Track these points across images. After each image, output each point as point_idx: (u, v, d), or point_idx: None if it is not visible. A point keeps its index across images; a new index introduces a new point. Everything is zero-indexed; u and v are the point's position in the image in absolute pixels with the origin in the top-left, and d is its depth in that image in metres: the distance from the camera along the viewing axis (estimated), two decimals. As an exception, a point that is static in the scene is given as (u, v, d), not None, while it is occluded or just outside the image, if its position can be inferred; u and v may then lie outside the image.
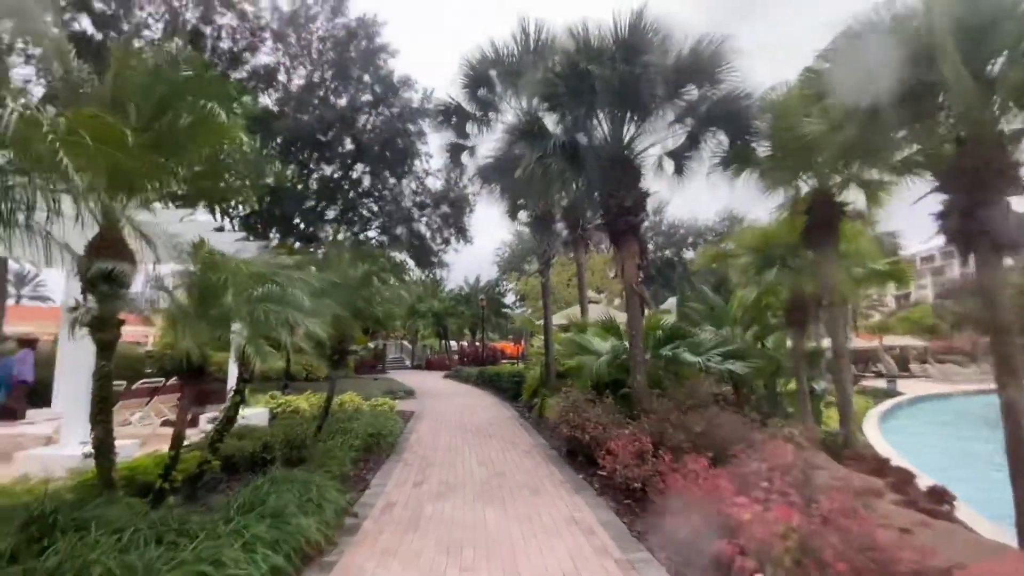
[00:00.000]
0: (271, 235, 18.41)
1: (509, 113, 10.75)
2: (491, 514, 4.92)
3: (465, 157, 11.82)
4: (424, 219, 20.39)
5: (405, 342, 32.87)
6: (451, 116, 10.82)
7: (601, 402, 7.37)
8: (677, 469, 4.80)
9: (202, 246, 4.15)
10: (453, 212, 19.72)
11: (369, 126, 17.52)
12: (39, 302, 55.57)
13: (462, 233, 20.24)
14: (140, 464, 4.80)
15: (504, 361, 28.63)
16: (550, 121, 8.46)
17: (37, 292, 58.91)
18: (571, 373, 10.06)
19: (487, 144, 12.24)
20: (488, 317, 30.53)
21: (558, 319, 15.28)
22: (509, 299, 34.86)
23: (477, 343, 29.26)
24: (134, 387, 8.77)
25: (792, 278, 9.17)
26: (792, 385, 10.11)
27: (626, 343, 8.30)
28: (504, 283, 34.43)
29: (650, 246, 31.95)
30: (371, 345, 30.41)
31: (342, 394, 11.92)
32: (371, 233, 21.76)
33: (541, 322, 12.06)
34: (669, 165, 8.82)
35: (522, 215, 14.34)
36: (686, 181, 9.01)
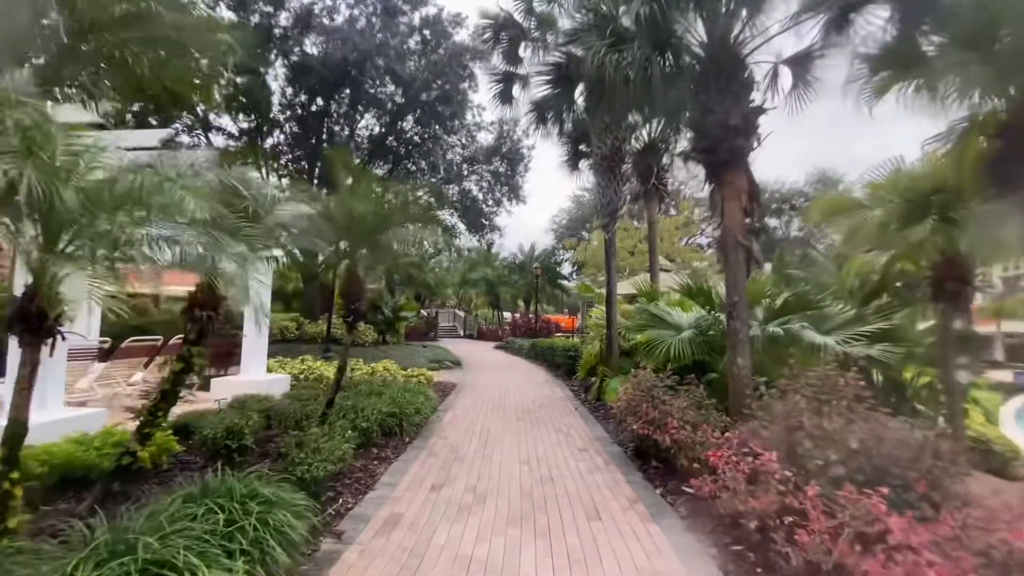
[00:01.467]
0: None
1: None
2: (529, 554, 3.33)
3: (516, 90, 9.96)
4: (475, 177, 18.78)
5: (458, 311, 31.99)
6: (500, 33, 8.96)
7: (684, 390, 5.54)
8: (832, 512, 2.97)
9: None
10: (506, 168, 17.95)
11: (417, 73, 15.92)
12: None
13: (515, 192, 18.49)
14: (58, 449, 3.60)
15: (558, 334, 26.99)
16: (627, 20, 6.42)
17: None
18: (639, 350, 8.23)
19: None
20: (542, 287, 28.85)
21: (622, 288, 13.31)
22: (565, 270, 32.88)
23: (530, 314, 27.73)
24: (123, 345, 7.87)
25: (947, 235, 6.77)
26: (924, 377, 7.76)
27: (720, 315, 6.33)
28: (560, 252, 32.42)
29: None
30: (423, 312, 29.78)
31: (379, 361, 10.80)
32: (419, 193, 20.48)
33: (601, 290, 10.17)
34: (786, 76, 6.57)
35: (583, 165, 12.36)
36: (805, 104, 6.74)
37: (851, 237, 8.79)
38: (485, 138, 18.09)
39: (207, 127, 16.53)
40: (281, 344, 14.52)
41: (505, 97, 10.08)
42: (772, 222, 28.26)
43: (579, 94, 9.45)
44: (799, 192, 27.22)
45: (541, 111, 10.23)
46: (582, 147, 11.82)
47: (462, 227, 21.29)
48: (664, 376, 5.61)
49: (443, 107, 17.06)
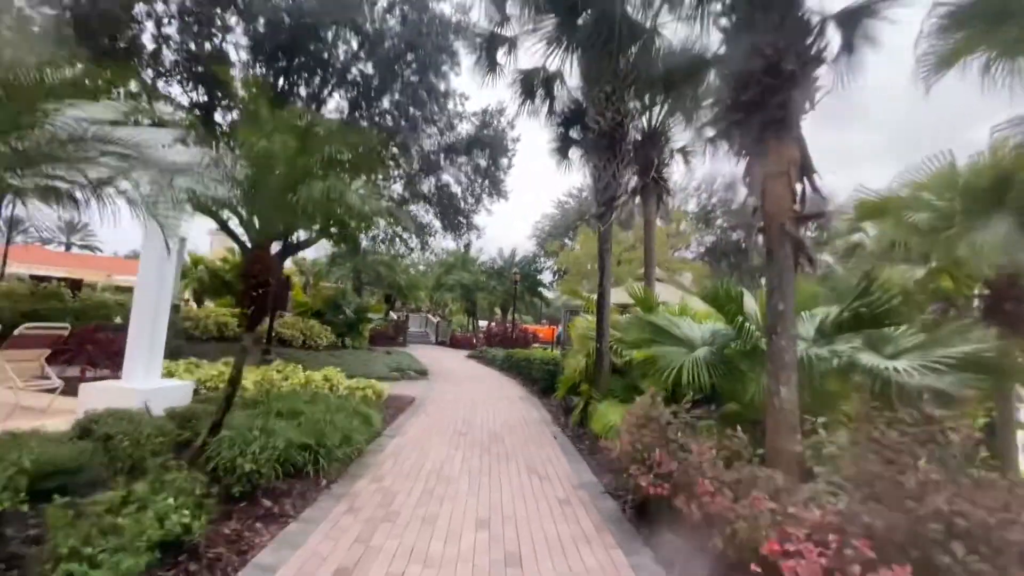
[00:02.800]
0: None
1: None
2: None
3: (502, 55, 8.47)
4: (453, 169, 17.18)
5: (431, 316, 30.21)
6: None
7: (703, 426, 4.05)
8: None
9: None
10: (488, 161, 16.41)
11: (390, 41, 14.30)
12: (88, 251, 56.71)
13: (496, 187, 16.93)
14: None
15: (536, 345, 25.47)
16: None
17: (87, 241, 60.24)
18: (636, 369, 6.75)
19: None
20: (521, 295, 27.34)
21: (614, 296, 11.83)
22: (546, 278, 31.54)
23: (507, 323, 26.18)
24: (16, 333, 6.08)
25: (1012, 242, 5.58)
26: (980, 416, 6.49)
27: (751, 327, 4.87)
28: (541, 260, 31.06)
29: (720, 221, 27.61)
30: (393, 316, 27.88)
31: (322, 369, 9.05)
32: (395, 187, 18.79)
33: (592, 295, 8.70)
34: (833, 38, 5.24)
35: (575, 156, 10.95)
36: (853, 76, 5.42)
37: (886, 245, 7.55)
38: (467, 130, 16.52)
39: (153, 97, 14.55)
40: (218, 343, 12.57)
41: (490, 63, 8.59)
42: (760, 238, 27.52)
43: (575, 62, 8.05)
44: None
45: (529, 84, 8.80)
46: (573, 133, 10.40)
47: (438, 225, 19.61)
48: (682, 409, 4.08)
49: (420, 87, 15.47)
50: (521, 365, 14.47)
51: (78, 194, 3.53)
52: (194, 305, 19.83)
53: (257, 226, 4.68)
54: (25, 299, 11.13)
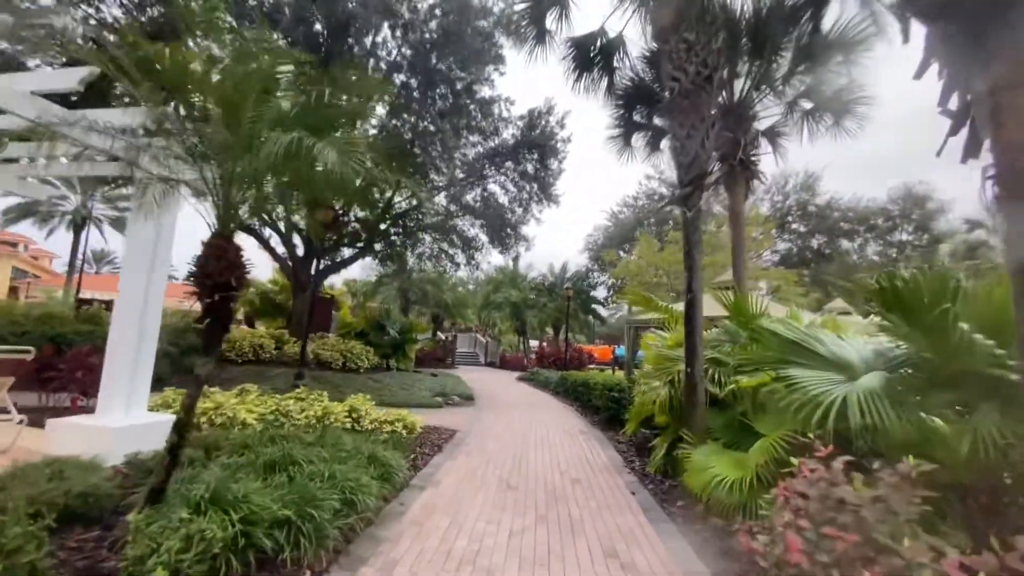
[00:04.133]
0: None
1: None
2: None
3: (551, 22, 7.11)
4: (500, 176, 15.97)
5: (479, 336, 28.98)
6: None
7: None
8: None
9: None
10: (536, 165, 15.06)
11: (430, 43, 13.40)
12: (171, 280, 60.61)
13: (546, 192, 15.51)
14: None
15: (592, 366, 23.53)
16: None
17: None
18: (746, 401, 4.96)
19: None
20: (574, 312, 25.56)
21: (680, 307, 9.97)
22: (600, 294, 29.56)
23: (560, 342, 24.43)
24: None
25: None
26: None
27: (972, 338, 3.04)
28: (595, 275, 29.16)
29: (797, 226, 24.76)
30: (441, 336, 26.88)
31: (352, 396, 7.80)
32: (439, 197, 17.85)
33: (676, 305, 6.99)
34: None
35: (639, 142, 9.43)
36: None
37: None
38: (512, 134, 15.31)
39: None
40: (254, 366, 11.78)
41: (538, 33, 7.25)
42: (846, 244, 24.29)
43: (645, 14, 6.58)
44: (880, 210, 23.24)
45: (585, 53, 7.37)
46: (637, 116, 8.84)
47: (484, 239, 18.42)
48: (915, 494, 2.33)
49: (463, 92, 14.45)
50: (579, 390, 12.73)
51: None
52: (244, 327, 19.61)
53: (216, 201, 3.44)
54: (62, 321, 10.77)
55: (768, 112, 8.96)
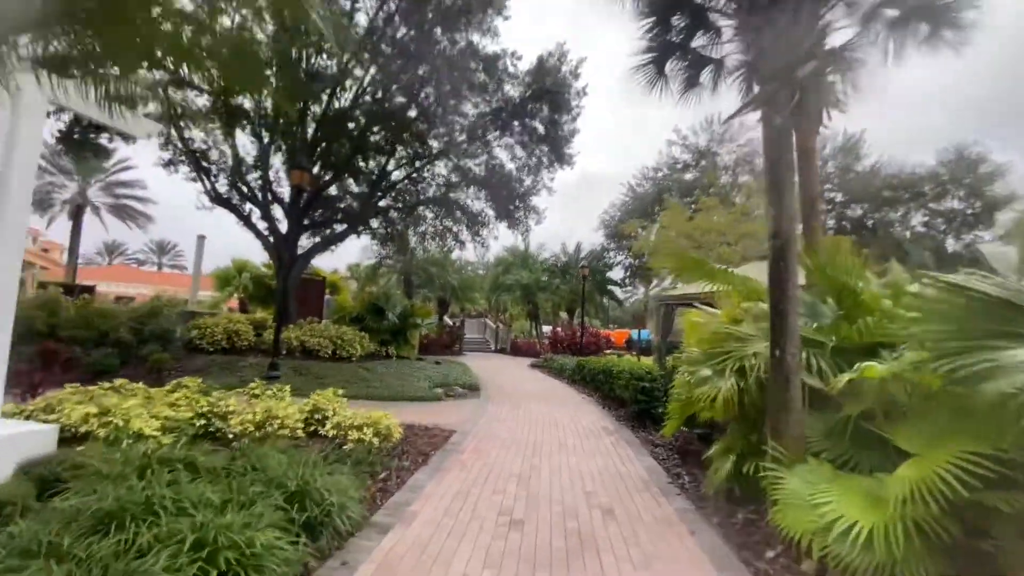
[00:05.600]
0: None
1: None
2: None
3: None
4: (506, 139, 14.19)
5: (489, 321, 27.40)
6: None
7: None
8: None
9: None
10: (547, 122, 13.23)
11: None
12: (177, 270, 60.26)
13: (558, 153, 13.69)
14: None
15: (609, 352, 21.84)
16: None
17: (176, 261, 64.27)
18: (864, 397, 3.27)
19: None
20: (590, 294, 23.80)
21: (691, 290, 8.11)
22: (616, 275, 27.64)
23: (575, 326, 22.76)
24: None
25: None
26: None
27: None
28: (611, 254, 27.23)
29: (834, 195, 22.56)
30: (448, 321, 25.35)
31: (325, 391, 6.24)
32: (440, 168, 16.14)
33: (745, 268, 5.25)
34: None
35: (674, 70, 7.56)
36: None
37: None
38: (519, 91, 13.46)
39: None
40: (224, 355, 10.32)
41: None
42: (894, 214, 21.97)
43: None
44: (929, 176, 20.84)
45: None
46: (674, 36, 6.99)
47: (491, 214, 16.72)
48: None
49: (460, 46, 12.66)
50: (599, 379, 11.08)
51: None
52: (238, 314, 18.28)
53: None
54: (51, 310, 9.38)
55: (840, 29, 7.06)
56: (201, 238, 16.35)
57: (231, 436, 4.57)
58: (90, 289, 13.67)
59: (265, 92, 12.90)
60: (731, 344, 4.75)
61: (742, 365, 4.40)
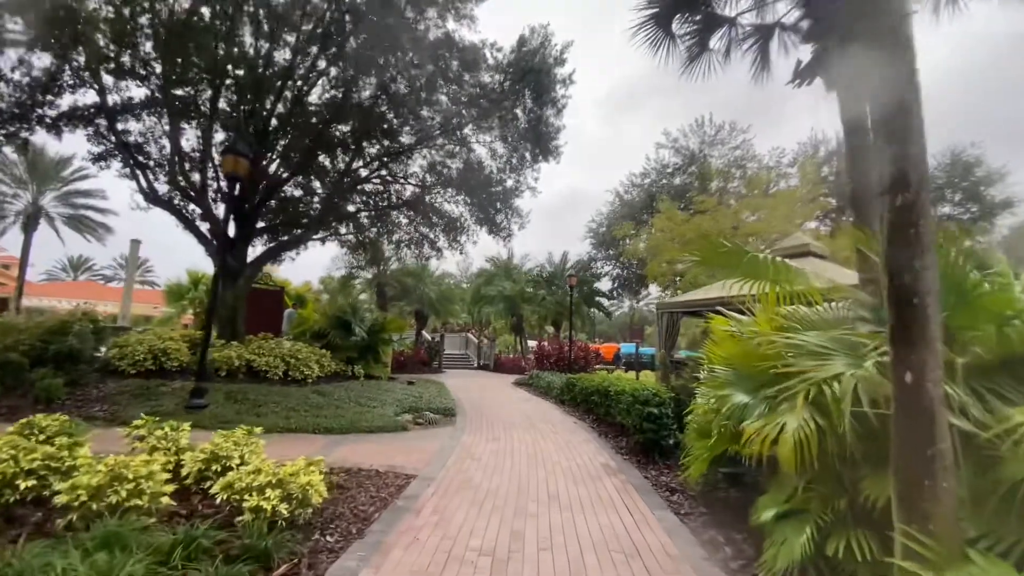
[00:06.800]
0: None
1: None
2: None
3: None
4: (484, 135, 12.88)
5: (471, 335, 25.82)
6: None
7: None
8: None
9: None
10: (531, 111, 11.95)
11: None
12: (147, 286, 57.49)
13: (543, 145, 12.38)
14: None
15: (598, 367, 20.44)
16: None
17: (145, 277, 61.41)
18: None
19: None
20: (577, 306, 22.45)
21: (705, 293, 6.82)
22: (604, 286, 26.32)
23: (561, 340, 21.36)
24: None
25: None
26: None
27: None
28: (598, 264, 25.94)
29: (827, 199, 21.64)
30: (427, 336, 23.70)
31: (235, 429, 4.67)
32: (414, 167, 14.72)
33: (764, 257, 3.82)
34: None
35: (681, 30, 6.51)
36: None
37: None
38: (498, 80, 12.19)
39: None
40: (145, 379, 8.59)
41: None
42: (944, 208, 20.97)
43: None
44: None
45: None
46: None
47: (469, 218, 15.33)
48: None
49: (430, 37, 11.42)
50: (592, 400, 9.63)
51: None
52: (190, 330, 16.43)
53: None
54: None
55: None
56: (135, 242, 14.60)
57: (67, 507, 2.99)
58: (2, 302, 11.79)
59: (214, 81, 11.51)
60: (796, 362, 3.36)
61: (817, 393, 3.02)
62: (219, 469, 4.00)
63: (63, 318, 8.68)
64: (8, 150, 21.17)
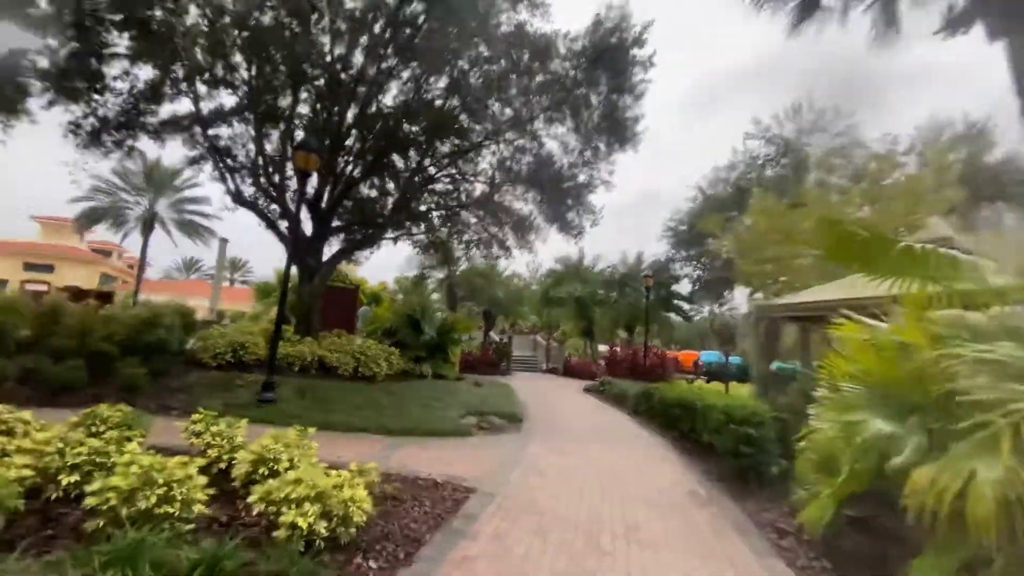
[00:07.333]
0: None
1: None
2: None
3: None
4: (557, 125, 12.25)
5: (540, 338, 25.21)
6: None
7: None
8: None
9: None
10: (604, 96, 11.15)
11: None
12: (246, 285, 63.40)
13: (620, 133, 11.52)
14: None
15: (678, 376, 19.05)
16: None
17: (246, 277, 67.68)
18: None
19: None
20: (654, 309, 21.09)
21: (854, 291, 5.63)
22: (683, 288, 24.53)
23: (636, 345, 20.14)
24: None
25: None
26: None
27: None
28: (677, 265, 24.21)
29: (955, 193, 18.68)
30: (495, 337, 23.44)
31: (287, 429, 4.43)
32: (483, 164, 14.45)
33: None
34: None
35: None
36: None
37: None
38: (568, 67, 11.50)
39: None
40: (224, 372, 8.91)
41: None
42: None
43: None
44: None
45: None
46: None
47: (539, 215, 14.79)
48: None
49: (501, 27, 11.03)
50: (672, 414, 8.62)
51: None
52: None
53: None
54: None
55: None
56: (223, 242, 15.57)
57: (95, 510, 2.79)
58: (107, 295, 13.01)
59: (296, 87, 11.93)
60: (977, 383, 2.41)
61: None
62: (266, 472, 3.72)
63: (155, 311, 9.21)
64: (129, 162, 24.00)
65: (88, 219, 32.21)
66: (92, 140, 10.47)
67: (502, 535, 3.75)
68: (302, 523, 2.86)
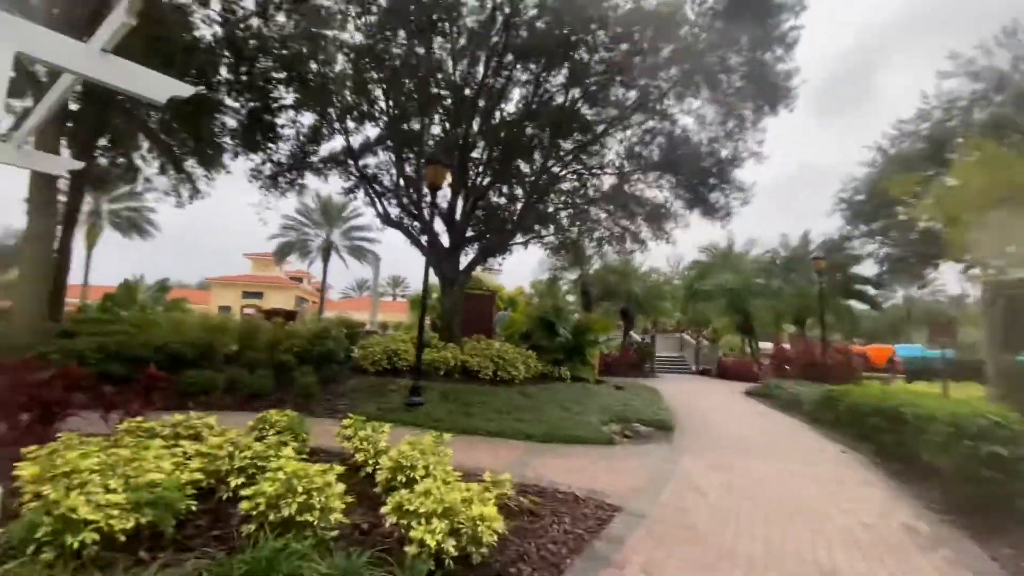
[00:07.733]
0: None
1: None
2: None
3: None
4: (691, 99, 11.03)
5: (686, 336, 23.20)
6: None
7: None
8: None
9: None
10: (748, 50, 9.64)
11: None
12: (403, 299, 71.33)
13: (772, 93, 9.85)
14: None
15: (866, 375, 15.82)
16: None
17: (406, 293, 75.97)
18: None
19: None
20: (829, 297, 17.87)
21: None
22: (866, 269, 20.24)
23: (810, 340, 17.19)
24: None
25: None
26: None
27: None
28: (854, 243, 20.02)
29: None
30: (636, 337, 22.21)
31: (426, 435, 4.47)
32: (610, 155, 13.77)
33: None
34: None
35: None
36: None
37: None
38: (705, 28, 10.22)
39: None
40: (381, 377, 9.70)
41: None
42: None
43: None
44: None
45: None
46: None
47: (676, 201, 13.58)
48: None
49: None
50: (869, 423, 6.93)
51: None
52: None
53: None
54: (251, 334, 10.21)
55: None
56: (376, 258, 17.16)
57: (248, 515, 2.99)
58: (291, 314, 15.26)
59: (427, 111, 12.74)
60: None
61: None
62: (403, 480, 3.71)
63: (325, 324, 10.46)
64: (307, 199, 28.41)
65: (282, 252, 39.04)
66: (271, 182, 12.46)
67: (653, 568, 3.18)
68: (430, 541, 2.70)
